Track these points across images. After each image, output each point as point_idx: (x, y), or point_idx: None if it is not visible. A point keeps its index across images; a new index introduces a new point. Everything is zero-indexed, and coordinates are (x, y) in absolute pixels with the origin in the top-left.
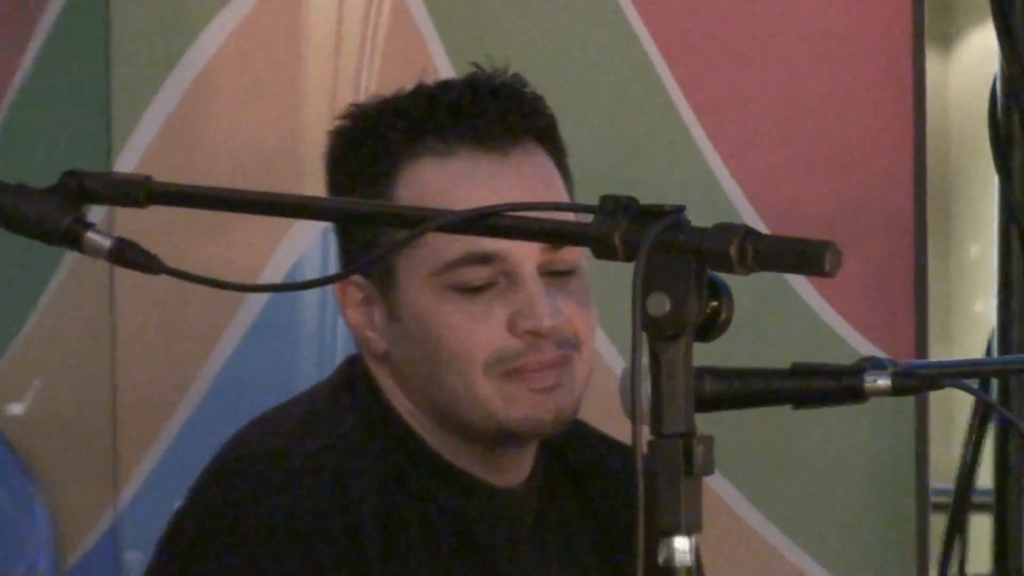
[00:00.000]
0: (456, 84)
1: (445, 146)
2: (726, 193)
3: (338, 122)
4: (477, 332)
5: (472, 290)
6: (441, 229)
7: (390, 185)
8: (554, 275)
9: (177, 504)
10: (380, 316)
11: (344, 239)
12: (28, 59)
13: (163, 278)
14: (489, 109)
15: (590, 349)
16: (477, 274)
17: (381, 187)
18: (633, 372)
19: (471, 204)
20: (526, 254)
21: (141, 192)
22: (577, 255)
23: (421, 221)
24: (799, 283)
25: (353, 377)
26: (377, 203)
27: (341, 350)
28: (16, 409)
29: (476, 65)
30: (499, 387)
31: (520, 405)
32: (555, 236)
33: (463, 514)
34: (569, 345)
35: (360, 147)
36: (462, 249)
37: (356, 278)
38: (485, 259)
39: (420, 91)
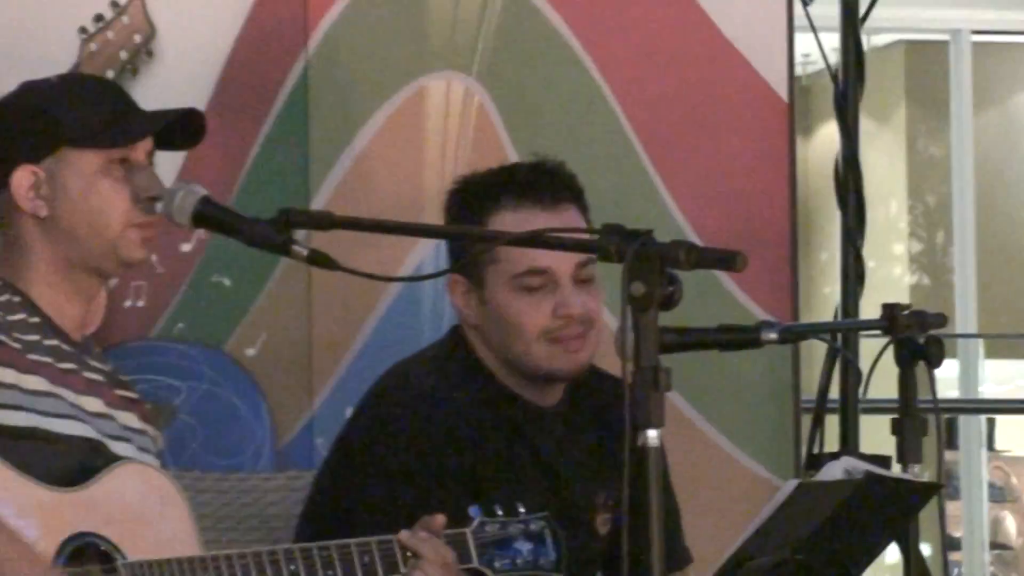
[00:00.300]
0: (523, 166)
1: (516, 203)
2: (676, 220)
3: (452, 186)
4: (534, 316)
5: (531, 290)
6: (508, 243)
7: (483, 224)
8: (580, 283)
9: (348, 409)
10: (475, 302)
11: (451, 251)
12: (261, 136)
13: (339, 273)
14: (545, 182)
15: (599, 327)
16: (534, 281)
17: (478, 219)
18: (623, 330)
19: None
20: (564, 270)
21: (326, 221)
22: (593, 271)
23: (492, 239)
24: (722, 276)
25: (456, 340)
26: (467, 227)
27: (447, 320)
28: (251, 352)
29: (534, 154)
30: (545, 349)
31: (557, 360)
32: (577, 249)
33: (519, 420)
34: (587, 325)
35: (464, 201)
36: (526, 265)
37: (459, 276)
38: (540, 272)
39: (502, 169)
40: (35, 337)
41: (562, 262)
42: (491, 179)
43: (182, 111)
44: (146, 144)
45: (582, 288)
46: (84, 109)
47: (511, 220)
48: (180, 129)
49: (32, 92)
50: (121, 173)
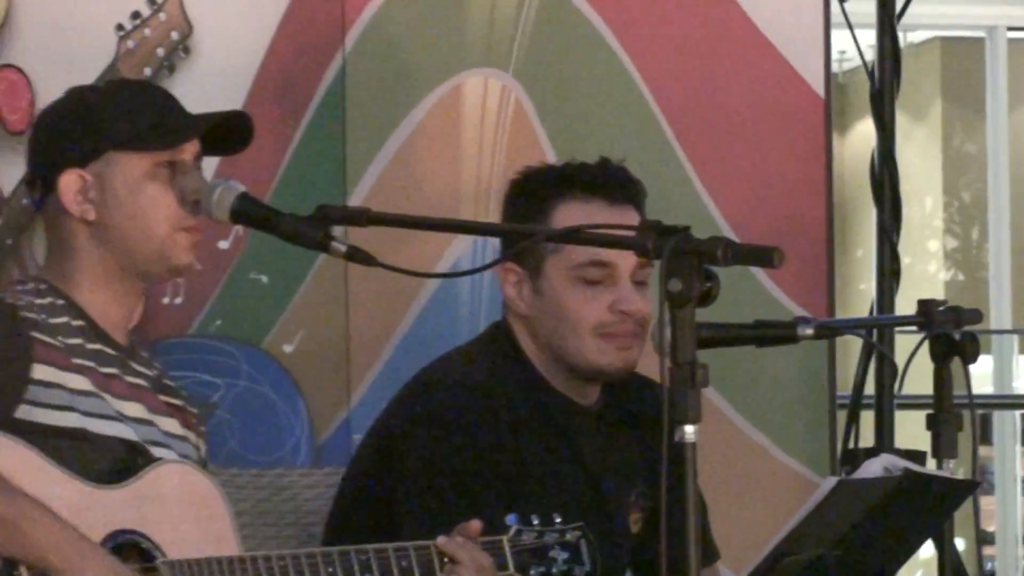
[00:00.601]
0: (591, 164)
1: (585, 196)
2: (712, 216)
3: (514, 176)
4: (591, 308)
5: (590, 282)
6: (548, 239)
7: (546, 214)
8: (637, 283)
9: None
10: (527, 292)
11: (504, 243)
12: (299, 133)
13: (376, 269)
14: (612, 181)
15: (649, 330)
16: (595, 273)
17: (541, 216)
18: (660, 325)
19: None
20: (625, 267)
21: (364, 218)
22: (649, 273)
23: (531, 235)
24: (758, 272)
25: (497, 335)
26: (507, 224)
27: (484, 316)
28: (288, 348)
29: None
30: (597, 343)
31: (607, 356)
32: (614, 245)
33: (560, 418)
34: (641, 325)
35: (529, 191)
36: (589, 257)
37: (513, 266)
38: (602, 264)
39: (569, 164)
40: (78, 341)
41: (624, 259)
42: (559, 172)
43: (228, 113)
44: (192, 147)
45: (639, 288)
46: (130, 113)
47: (579, 212)
48: (227, 131)
49: (78, 97)
50: (168, 176)
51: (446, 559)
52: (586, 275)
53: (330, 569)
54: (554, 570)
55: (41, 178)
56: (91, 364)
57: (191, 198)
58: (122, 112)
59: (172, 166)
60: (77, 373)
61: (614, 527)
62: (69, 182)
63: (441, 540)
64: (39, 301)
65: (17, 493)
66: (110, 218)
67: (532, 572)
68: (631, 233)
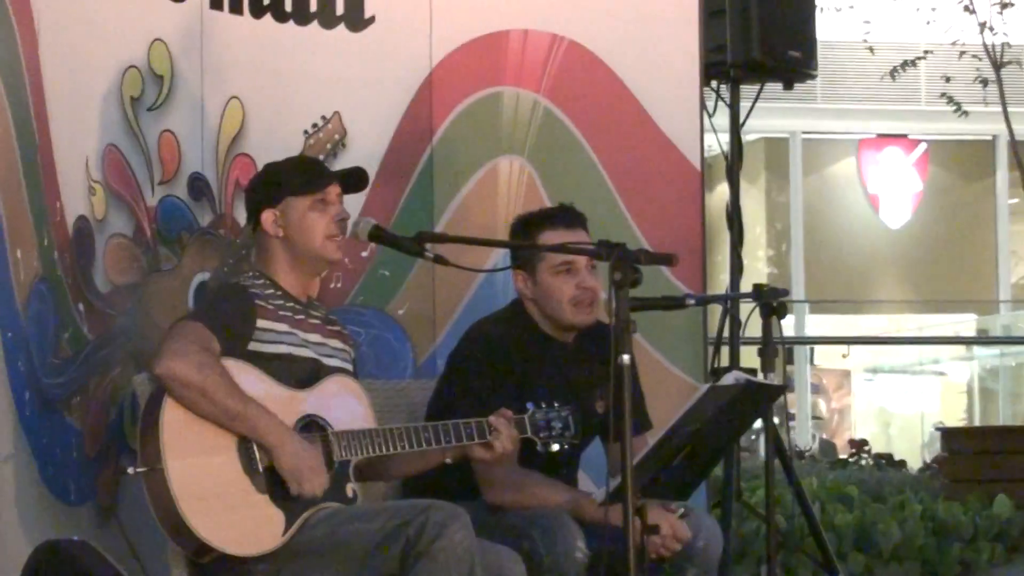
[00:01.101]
0: (557, 208)
1: (556, 227)
2: (637, 237)
3: (515, 218)
4: (566, 289)
5: (563, 273)
6: (545, 250)
7: (535, 237)
8: (589, 270)
9: (454, 344)
10: (530, 284)
11: (514, 256)
12: (407, 190)
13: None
14: (571, 216)
15: (599, 297)
16: (565, 268)
17: (531, 237)
18: (609, 299)
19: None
20: (582, 263)
21: (441, 239)
22: (593, 265)
23: (535, 247)
24: (664, 269)
25: (515, 306)
26: (517, 242)
27: (510, 295)
28: (401, 312)
29: (560, 203)
30: (572, 310)
31: (578, 316)
32: (583, 253)
33: (550, 349)
34: (595, 295)
35: (526, 225)
36: (561, 259)
37: (520, 270)
38: (569, 263)
39: (546, 209)
40: (280, 302)
41: (581, 259)
42: (541, 214)
43: (350, 169)
44: (335, 189)
45: (591, 273)
46: (296, 174)
47: (553, 235)
48: (356, 181)
49: (270, 169)
50: (321, 208)
51: (492, 429)
52: (561, 269)
53: (426, 434)
54: (553, 434)
55: (253, 216)
56: (288, 315)
57: (337, 218)
58: (292, 174)
59: (323, 202)
60: (281, 321)
61: (588, 410)
62: (267, 216)
63: (490, 418)
64: (257, 282)
65: (248, 399)
66: (291, 235)
67: (541, 434)
68: (592, 247)
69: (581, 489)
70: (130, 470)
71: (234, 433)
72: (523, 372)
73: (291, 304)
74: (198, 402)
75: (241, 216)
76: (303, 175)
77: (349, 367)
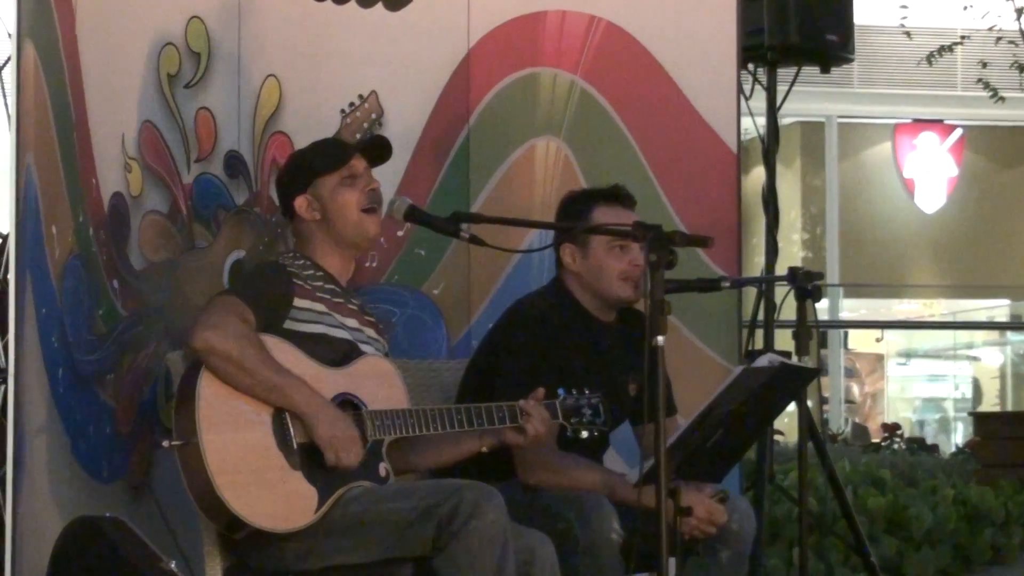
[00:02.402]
0: (611, 186)
1: (609, 204)
2: (673, 219)
3: (567, 194)
4: (617, 266)
5: (619, 249)
6: (583, 232)
7: (588, 215)
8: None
9: (490, 325)
10: (578, 257)
11: (555, 234)
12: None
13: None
14: (622, 194)
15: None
16: (619, 245)
17: (583, 216)
18: (644, 278)
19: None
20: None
21: (477, 219)
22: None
23: (569, 228)
24: (700, 251)
25: (556, 284)
26: (549, 222)
27: (546, 275)
28: (436, 292)
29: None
30: (620, 285)
31: (626, 291)
32: (620, 235)
33: (591, 328)
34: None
35: (576, 202)
36: (615, 240)
37: (568, 244)
38: (623, 244)
39: (598, 188)
40: (320, 283)
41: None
42: (594, 191)
43: (372, 139)
44: (360, 163)
45: (641, 254)
46: (319, 154)
47: (607, 211)
48: (379, 152)
49: (295, 156)
50: (351, 182)
51: (524, 413)
52: (614, 245)
53: (459, 416)
54: (584, 420)
55: (286, 203)
56: (327, 297)
57: (367, 188)
58: (315, 155)
59: (352, 176)
60: (319, 302)
61: (620, 391)
62: (301, 203)
63: (521, 402)
64: (296, 262)
65: (284, 370)
66: (327, 215)
67: (572, 420)
68: (629, 228)
69: (615, 470)
70: (165, 443)
71: (269, 408)
72: (563, 350)
73: (331, 287)
74: (235, 374)
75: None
76: (325, 153)
77: (381, 356)
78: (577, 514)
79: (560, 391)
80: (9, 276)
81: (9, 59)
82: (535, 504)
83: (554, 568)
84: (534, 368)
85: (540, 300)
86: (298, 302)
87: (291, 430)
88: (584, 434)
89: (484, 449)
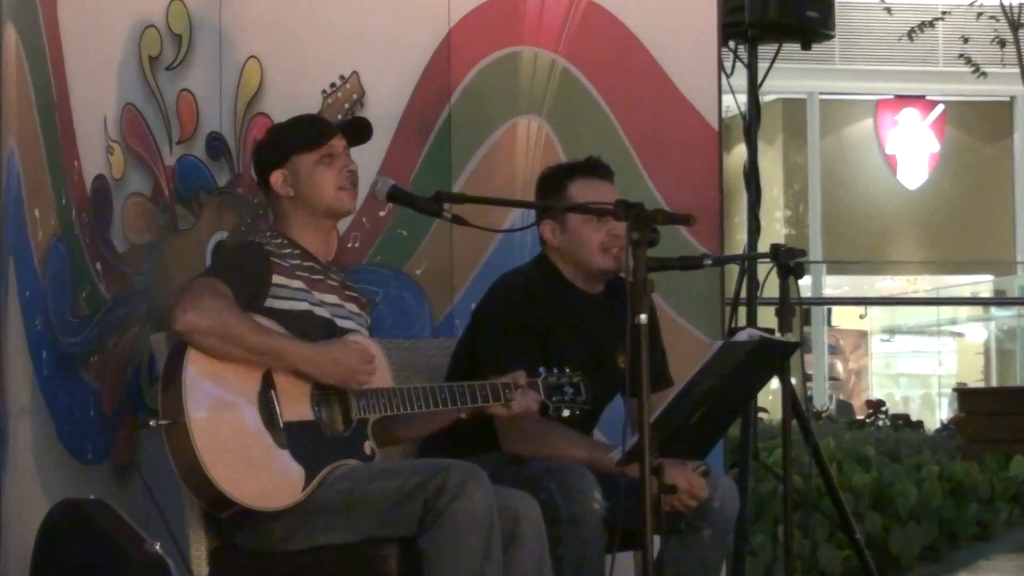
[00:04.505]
0: (587, 159)
1: (585, 176)
2: (655, 197)
3: (544, 171)
4: (595, 236)
5: (596, 219)
6: (564, 210)
7: (564, 190)
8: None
9: (473, 304)
10: (558, 232)
11: (537, 212)
12: (425, 150)
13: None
14: (599, 166)
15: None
16: (596, 216)
17: (560, 191)
18: (626, 257)
19: (595, 199)
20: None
21: (459, 198)
22: None
23: (550, 207)
24: (682, 229)
25: (540, 260)
26: (529, 200)
27: (528, 253)
28: (419, 271)
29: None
30: (600, 255)
31: (607, 261)
32: (601, 213)
33: (577, 300)
34: (623, 243)
35: (552, 178)
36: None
37: (548, 220)
38: (601, 214)
39: (574, 161)
40: (297, 261)
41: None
42: (570, 165)
43: (352, 119)
44: (340, 142)
45: (619, 224)
46: (300, 131)
47: (584, 184)
48: (360, 132)
49: (275, 130)
50: (328, 161)
51: (517, 386)
52: (590, 216)
53: (443, 395)
54: (565, 398)
55: (261, 178)
56: (305, 274)
57: (344, 170)
58: (296, 132)
59: (330, 156)
60: (296, 279)
61: (608, 364)
62: (276, 178)
63: (503, 379)
64: (274, 241)
65: (271, 331)
66: (301, 192)
67: (554, 399)
68: (610, 207)
69: (600, 441)
70: (152, 423)
71: (256, 387)
72: (548, 323)
73: (309, 264)
74: (222, 347)
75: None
76: (306, 132)
77: (364, 332)
78: (559, 484)
79: (541, 370)
80: None
81: None
82: (518, 475)
83: (540, 528)
84: (520, 342)
85: (524, 274)
86: (277, 279)
87: (278, 409)
88: (566, 413)
89: (463, 416)
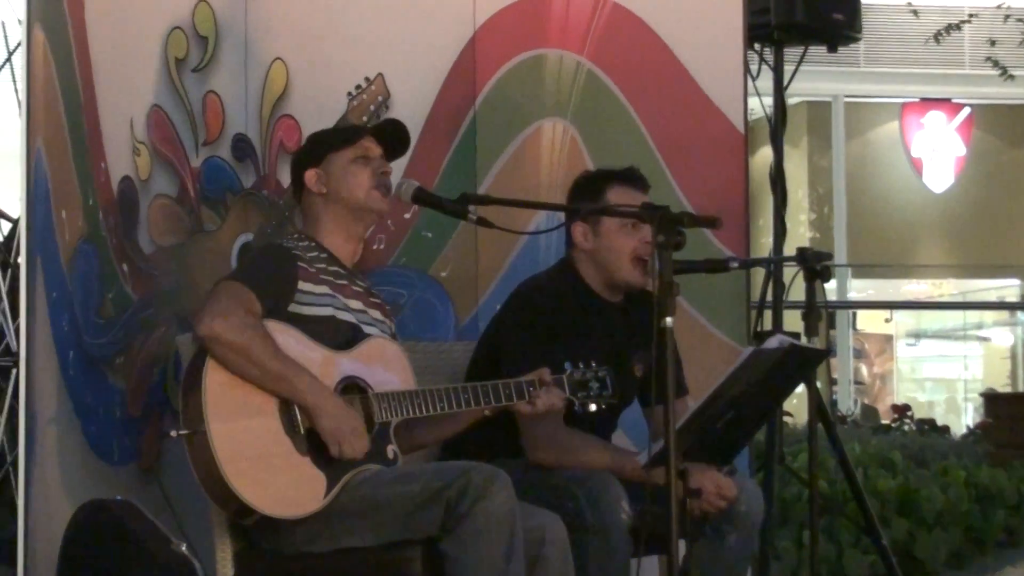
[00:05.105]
0: (625, 168)
1: (623, 184)
2: (680, 200)
3: (581, 175)
4: (628, 244)
5: (631, 228)
6: (591, 213)
7: (601, 195)
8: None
9: (497, 306)
10: (590, 235)
11: (567, 215)
12: (450, 152)
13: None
14: (634, 175)
15: None
16: (632, 224)
17: (597, 196)
18: (653, 259)
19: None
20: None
21: (485, 200)
22: None
23: (576, 210)
24: (707, 232)
25: (564, 264)
26: (555, 203)
27: (554, 255)
28: (444, 274)
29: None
30: (629, 265)
31: (636, 274)
32: (628, 216)
33: (597, 307)
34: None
35: (589, 182)
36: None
37: (581, 222)
38: (635, 222)
39: (612, 169)
40: (324, 265)
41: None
42: (609, 171)
43: (386, 121)
44: (375, 147)
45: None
46: (336, 133)
47: (620, 191)
48: (395, 134)
49: (313, 136)
50: (364, 162)
51: (541, 382)
52: (625, 224)
53: (465, 395)
54: (591, 394)
55: (297, 177)
56: (331, 279)
57: (378, 172)
58: (332, 133)
59: (365, 157)
60: (322, 284)
61: (627, 372)
62: (310, 175)
63: (527, 377)
64: (301, 244)
65: (289, 361)
66: (334, 190)
67: (579, 394)
68: (637, 209)
69: (624, 448)
70: (173, 433)
71: (275, 395)
72: (569, 329)
73: (335, 268)
74: (240, 363)
75: (284, 177)
76: (340, 131)
77: (387, 339)
78: (586, 494)
79: (567, 365)
80: (20, 260)
81: (19, 44)
82: (544, 483)
83: (565, 546)
84: (540, 348)
85: (547, 279)
86: (303, 284)
87: (298, 416)
88: (592, 407)
89: (487, 412)
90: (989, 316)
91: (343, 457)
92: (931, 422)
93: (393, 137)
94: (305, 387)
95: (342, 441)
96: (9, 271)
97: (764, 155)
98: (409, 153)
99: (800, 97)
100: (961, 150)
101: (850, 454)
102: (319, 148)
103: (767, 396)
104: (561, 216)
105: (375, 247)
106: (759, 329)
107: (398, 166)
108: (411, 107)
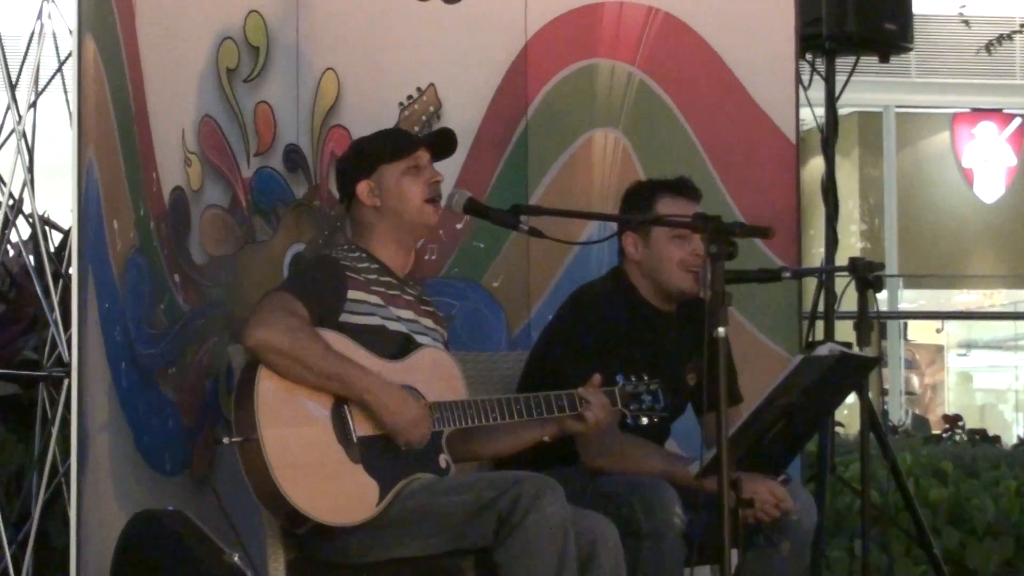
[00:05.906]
0: (677, 178)
1: (674, 195)
2: (732, 210)
3: (629, 186)
4: (677, 254)
5: (680, 239)
6: (639, 223)
7: (652, 205)
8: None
9: (549, 316)
10: (641, 246)
11: (619, 225)
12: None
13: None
14: (687, 186)
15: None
16: (681, 233)
17: (648, 206)
18: (705, 270)
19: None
20: (698, 236)
21: (536, 211)
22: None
23: (627, 220)
24: (759, 242)
25: (616, 273)
26: (604, 213)
27: (605, 266)
28: (495, 284)
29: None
30: (681, 274)
31: (686, 281)
32: (680, 226)
33: (649, 317)
34: (702, 264)
35: (640, 192)
36: (677, 230)
37: (631, 233)
38: (685, 233)
39: (664, 179)
40: (375, 276)
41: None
42: (660, 181)
43: (438, 131)
44: (425, 155)
45: (702, 244)
46: (385, 142)
47: (671, 202)
48: (445, 144)
49: (360, 142)
50: (415, 173)
51: (583, 400)
52: (675, 234)
53: (518, 406)
54: (643, 407)
55: (346, 189)
56: (382, 289)
57: (430, 182)
58: (382, 143)
59: (416, 167)
60: (373, 294)
61: (679, 381)
62: (363, 188)
63: (580, 390)
64: (351, 255)
65: (342, 358)
66: (387, 202)
67: (631, 407)
68: (688, 219)
69: (678, 454)
70: (225, 440)
71: (329, 402)
72: (621, 339)
73: (386, 279)
74: (292, 368)
75: (336, 188)
76: (392, 143)
77: (440, 347)
78: (639, 499)
79: (619, 378)
80: (72, 271)
81: (70, 55)
82: (597, 489)
83: (618, 550)
84: (592, 356)
85: (599, 289)
86: (352, 294)
87: (351, 423)
88: (644, 421)
89: (546, 439)
90: None
91: (410, 448)
92: (982, 432)
93: (445, 147)
94: (361, 383)
95: (405, 432)
96: (61, 282)
97: (815, 165)
98: (460, 163)
99: (851, 107)
100: (1012, 160)
101: (901, 464)
102: (371, 159)
103: (818, 405)
104: (613, 226)
105: (427, 257)
106: (811, 339)
107: (450, 176)
108: (462, 117)
